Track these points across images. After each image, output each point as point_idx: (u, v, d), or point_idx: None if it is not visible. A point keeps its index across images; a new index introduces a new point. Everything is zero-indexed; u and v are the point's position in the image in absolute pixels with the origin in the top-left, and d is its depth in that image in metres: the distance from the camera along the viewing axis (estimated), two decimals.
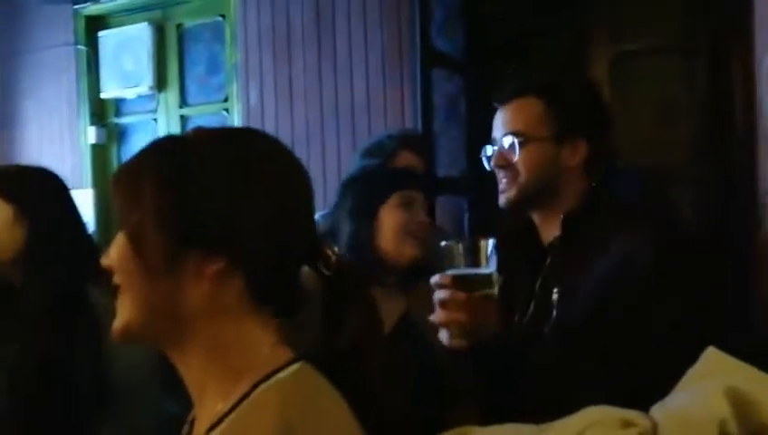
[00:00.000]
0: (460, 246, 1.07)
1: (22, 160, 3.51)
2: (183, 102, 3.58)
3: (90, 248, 1.44)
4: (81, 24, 3.70)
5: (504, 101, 1.29)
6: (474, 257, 1.06)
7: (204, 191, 0.72)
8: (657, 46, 2.75)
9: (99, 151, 3.71)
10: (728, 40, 2.52)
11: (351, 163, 2.27)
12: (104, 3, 3.63)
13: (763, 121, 2.01)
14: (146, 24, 3.54)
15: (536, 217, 1.29)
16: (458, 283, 1.06)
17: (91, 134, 3.70)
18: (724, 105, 2.56)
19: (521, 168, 1.24)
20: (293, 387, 0.70)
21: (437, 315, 1.08)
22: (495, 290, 1.07)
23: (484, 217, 2.84)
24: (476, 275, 1.05)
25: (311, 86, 3.09)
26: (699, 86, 2.72)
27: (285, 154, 0.79)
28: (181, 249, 0.71)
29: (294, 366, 0.72)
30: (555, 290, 1.18)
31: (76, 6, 3.68)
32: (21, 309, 1.33)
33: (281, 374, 0.71)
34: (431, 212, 2.52)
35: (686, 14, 2.75)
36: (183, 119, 3.59)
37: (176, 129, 3.52)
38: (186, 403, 0.83)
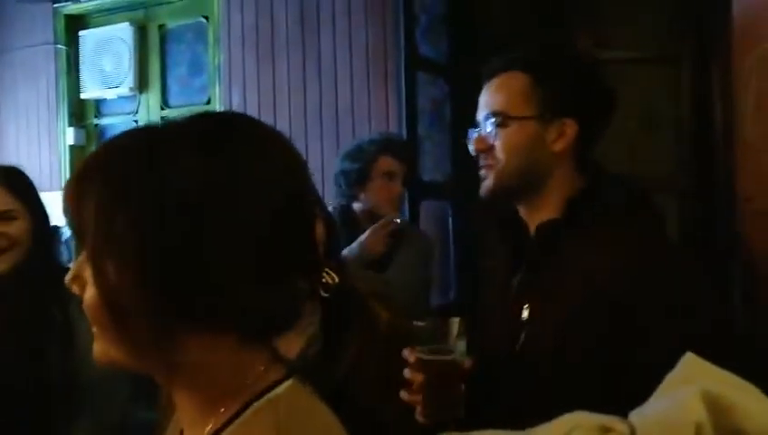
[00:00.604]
0: (432, 324, 1.06)
1: (2, 160, 3.45)
2: (165, 104, 3.55)
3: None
4: (61, 24, 3.65)
5: (488, 77, 1.16)
6: (443, 337, 1.04)
7: (195, 249, 0.60)
8: (640, 55, 2.77)
9: (77, 153, 3.66)
10: (709, 49, 2.54)
11: (333, 166, 2.26)
12: (85, 2, 3.58)
13: (743, 129, 2.02)
14: (127, 24, 3.50)
15: (522, 211, 1.16)
16: (423, 364, 1.04)
17: (70, 135, 3.64)
18: (706, 114, 2.57)
19: (500, 151, 1.12)
20: (286, 405, 0.68)
21: (402, 393, 1.07)
22: (460, 372, 1.05)
23: (469, 221, 2.84)
24: (440, 359, 1.04)
25: (294, 88, 3.07)
26: (683, 95, 2.73)
27: (275, 159, 0.66)
28: (170, 323, 0.61)
29: (287, 383, 0.70)
30: (525, 306, 1.08)
31: (56, 5, 3.63)
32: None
33: (274, 392, 0.69)
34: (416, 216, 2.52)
35: (670, 22, 2.77)
36: (164, 120, 3.55)
37: None
38: (156, 410, 0.80)
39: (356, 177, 2.14)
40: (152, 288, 0.60)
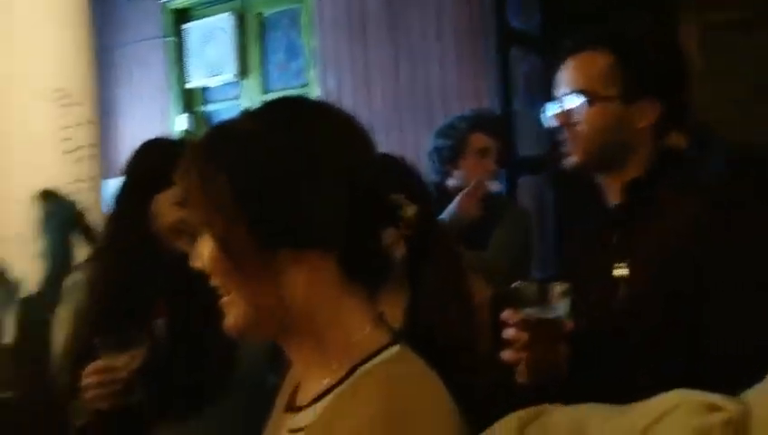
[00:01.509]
0: (534, 286, 1.06)
1: (118, 148, 3.74)
2: (265, 88, 3.69)
3: None
4: (168, 17, 3.87)
5: (568, 55, 1.17)
6: (546, 298, 1.05)
7: (278, 184, 0.71)
8: (748, 16, 2.56)
9: (189, 138, 3.89)
10: None
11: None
12: None
13: None
14: (228, 14, 3.66)
15: (602, 181, 1.19)
16: (526, 324, 1.05)
17: (181, 122, 3.88)
18: None
19: (585, 129, 1.14)
20: (396, 370, 0.71)
21: (504, 353, 1.08)
22: (563, 332, 1.05)
23: (567, 197, 2.78)
24: (544, 318, 1.04)
25: (386, 69, 3.10)
26: None
27: (338, 118, 0.77)
28: (272, 249, 0.70)
29: (395, 348, 0.73)
30: (619, 265, 1.10)
31: (163, 1, 3.85)
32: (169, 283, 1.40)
33: (382, 356, 0.72)
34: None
35: None
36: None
37: None
38: (282, 375, 0.88)
39: (449, 154, 2.14)
40: (255, 229, 0.70)
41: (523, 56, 2.79)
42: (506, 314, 1.06)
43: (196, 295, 1.09)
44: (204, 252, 0.74)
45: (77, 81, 2.19)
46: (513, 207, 2.31)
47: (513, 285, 1.07)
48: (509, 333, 1.06)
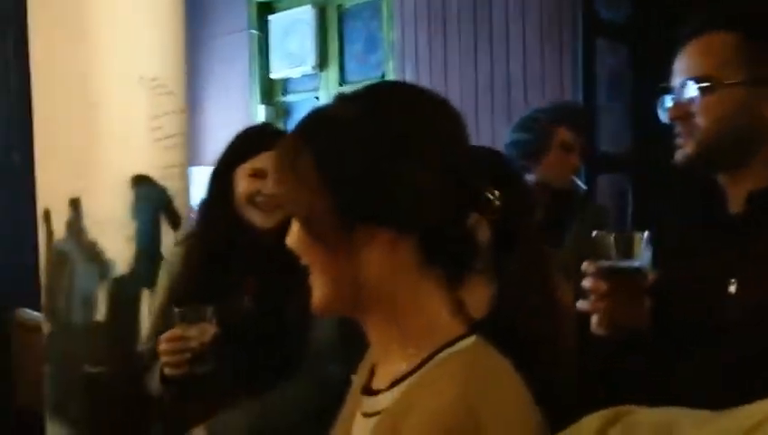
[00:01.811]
0: (612, 237, 1.02)
1: (201, 138, 3.88)
2: (343, 80, 3.73)
3: None
4: (254, 10, 3.97)
5: (687, 38, 1.05)
6: (626, 249, 1.01)
7: (362, 165, 0.73)
8: None
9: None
10: None
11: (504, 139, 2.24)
12: None
13: None
14: (309, 6, 3.72)
15: (723, 181, 1.07)
16: (605, 273, 1.01)
17: (261, 113, 3.98)
18: None
19: (703, 119, 1.02)
20: (473, 361, 0.71)
21: (582, 303, 1.04)
22: (644, 283, 1.01)
23: (649, 196, 2.67)
24: (624, 267, 1.01)
25: (465, 61, 3.07)
26: None
27: (431, 102, 0.77)
28: (351, 224, 0.73)
29: (472, 339, 0.73)
30: (732, 281, 0.99)
31: None
32: (259, 268, 1.47)
33: (459, 346, 0.73)
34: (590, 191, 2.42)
35: None
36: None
37: None
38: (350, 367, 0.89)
39: (530, 148, 2.09)
40: (336, 207, 0.73)
41: (608, 48, 2.70)
42: (585, 265, 1.02)
43: (283, 274, 1.13)
44: (294, 230, 0.77)
45: (171, 70, 2.26)
46: (591, 204, 2.24)
47: (594, 233, 1.03)
48: (587, 282, 1.02)
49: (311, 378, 1.43)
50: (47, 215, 2.18)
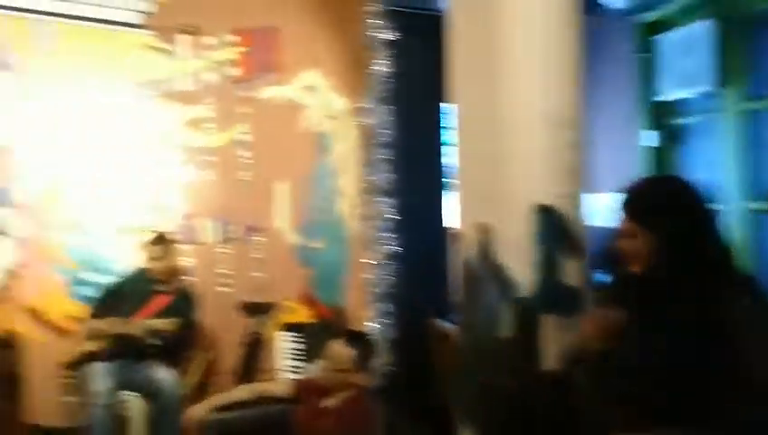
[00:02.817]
0: None
1: (590, 164, 3.90)
2: (749, 97, 3.34)
3: (723, 255, 1.58)
4: (641, 32, 3.86)
5: None
6: None
7: None
8: None
9: (652, 154, 3.81)
10: None
11: None
12: (661, 9, 3.69)
13: None
14: (706, 21, 3.44)
15: None
16: None
17: (648, 137, 3.82)
18: None
19: None
20: None
21: None
22: None
23: None
24: None
25: None
26: None
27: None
28: None
29: None
30: None
31: (634, 16, 3.86)
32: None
33: None
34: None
35: None
36: (747, 114, 3.35)
37: (740, 126, 3.32)
38: None
39: None
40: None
41: None
42: None
43: None
44: None
45: (569, 105, 2.38)
46: None
47: None
48: None
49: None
50: (461, 237, 2.49)
